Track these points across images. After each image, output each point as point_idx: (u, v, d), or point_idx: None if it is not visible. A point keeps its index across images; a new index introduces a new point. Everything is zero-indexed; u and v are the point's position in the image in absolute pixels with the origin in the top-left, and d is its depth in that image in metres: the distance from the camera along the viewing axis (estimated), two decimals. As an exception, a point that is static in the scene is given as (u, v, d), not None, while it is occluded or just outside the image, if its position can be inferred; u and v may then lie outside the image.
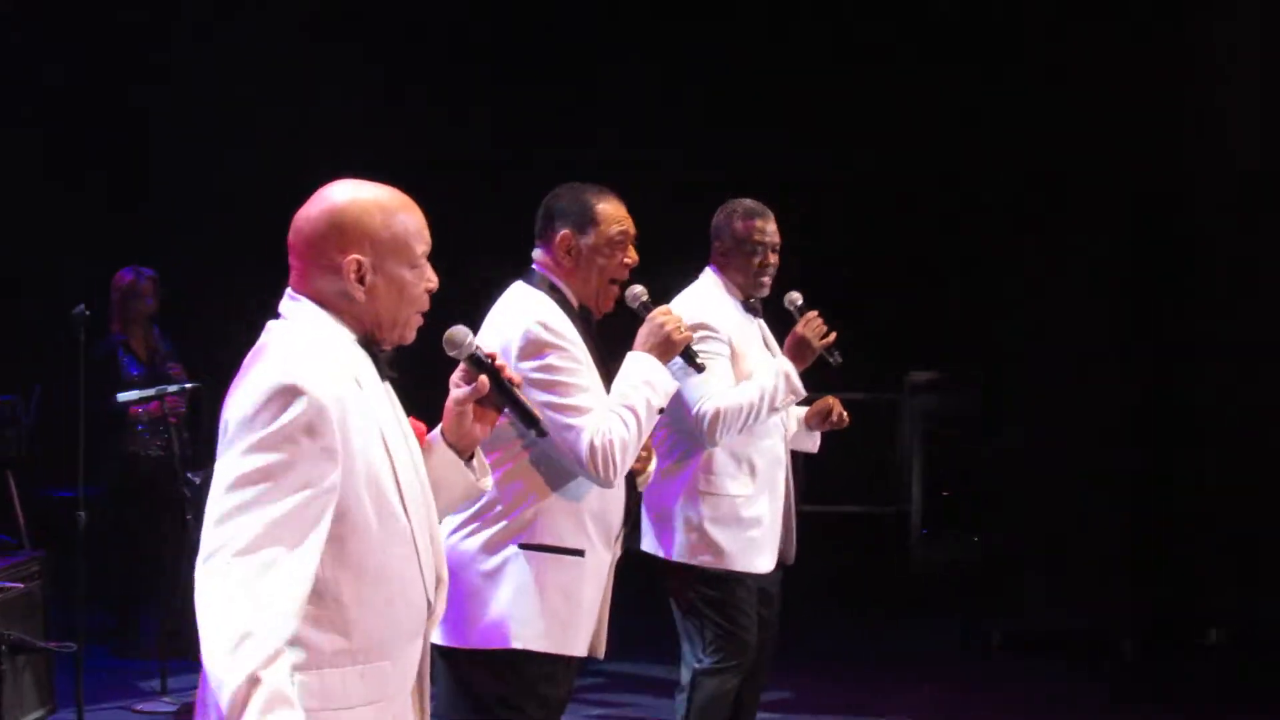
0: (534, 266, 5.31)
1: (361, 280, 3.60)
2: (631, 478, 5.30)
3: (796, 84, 12.68)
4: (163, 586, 9.73)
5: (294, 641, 3.41)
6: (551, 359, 5.02)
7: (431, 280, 3.72)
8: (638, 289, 5.44)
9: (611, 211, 5.30)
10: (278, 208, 3.89)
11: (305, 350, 3.50)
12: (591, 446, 4.94)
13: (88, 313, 7.89)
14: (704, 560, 6.37)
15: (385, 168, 4.39)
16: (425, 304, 3.73)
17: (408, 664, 3.67)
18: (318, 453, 3.40)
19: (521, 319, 5.09)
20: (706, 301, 6.47)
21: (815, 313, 6.56)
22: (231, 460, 3.38)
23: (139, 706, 9.02)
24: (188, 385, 9.87)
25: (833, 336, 6.53)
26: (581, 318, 5.25)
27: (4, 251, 12.22)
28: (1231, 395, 10.80)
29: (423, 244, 3.69)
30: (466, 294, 5.26)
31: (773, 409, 6.36)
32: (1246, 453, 10.70)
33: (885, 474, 13.10)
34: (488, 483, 4.12)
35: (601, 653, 5.30)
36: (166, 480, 9.54)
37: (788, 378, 6.37)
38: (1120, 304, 10.76)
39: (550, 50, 12.72)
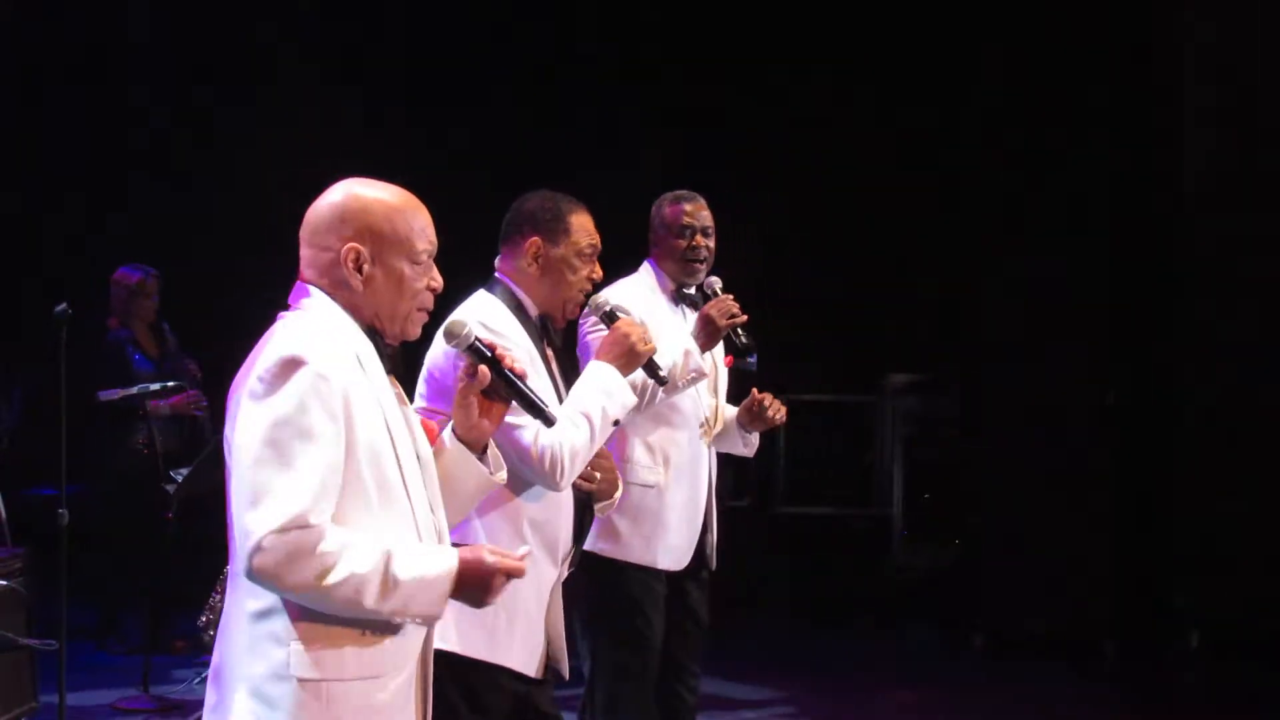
0: (496, 275, 5.27)
1: (360, 270, 3.73)
2: (588, 500, 5.25)
3: (778, 83, 12.70)
4: (146, 583, 9.74)
5: (297, 608, 3.55)
6: None
7: (435, 280, 3.85)
8: (602, 298, 5.43)
9: (583, 223, 5.27)
10: (282, 209, 3.93)
11: (311, 330, 3.63)
12: (539, 446, 4.85)
13: (70, 312, 7.86)
14: (601, 548, 6.08)
15: (398, 166, 4.45)
16: (428, 302, 3.85)
17: (408, 642, 3.73)
18: (325, 417, 3.52)
19: (463, 317, 4.93)
20: (624, 292, 6.18)
21: (729, 295, 6.16)
22: (249, 434, 3.51)
23: (121, 704, 9.01)
24: (169, 385, 9.86)
25: (743, 319, 6.06)
26: (540, 327, 5.22)
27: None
28: (1213, 397, 10.81)
29: (426, 243, 3.82)
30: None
31: (673, 388, 5.96)
32: (1228, 455, 10.72)
33: (866, 477, 13.11)
34: (502, 475, 4.15)
35: (564, 671, 5.19)
36: (152, 476, 9.53)
37: (687, 354, 5.93)
38: (1099, 306, 10.76)
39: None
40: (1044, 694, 9.90)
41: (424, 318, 3.87)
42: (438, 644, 4.87)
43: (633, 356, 5.18)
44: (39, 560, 8.64)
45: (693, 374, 5.97)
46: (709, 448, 6.44)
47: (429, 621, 3.71)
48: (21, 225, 12.34)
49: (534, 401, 4.08)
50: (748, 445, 6.56)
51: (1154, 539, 10.95)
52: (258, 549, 3.43)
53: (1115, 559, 10.70)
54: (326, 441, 3.52)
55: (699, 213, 6.39)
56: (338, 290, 3.76)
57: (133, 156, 12.57)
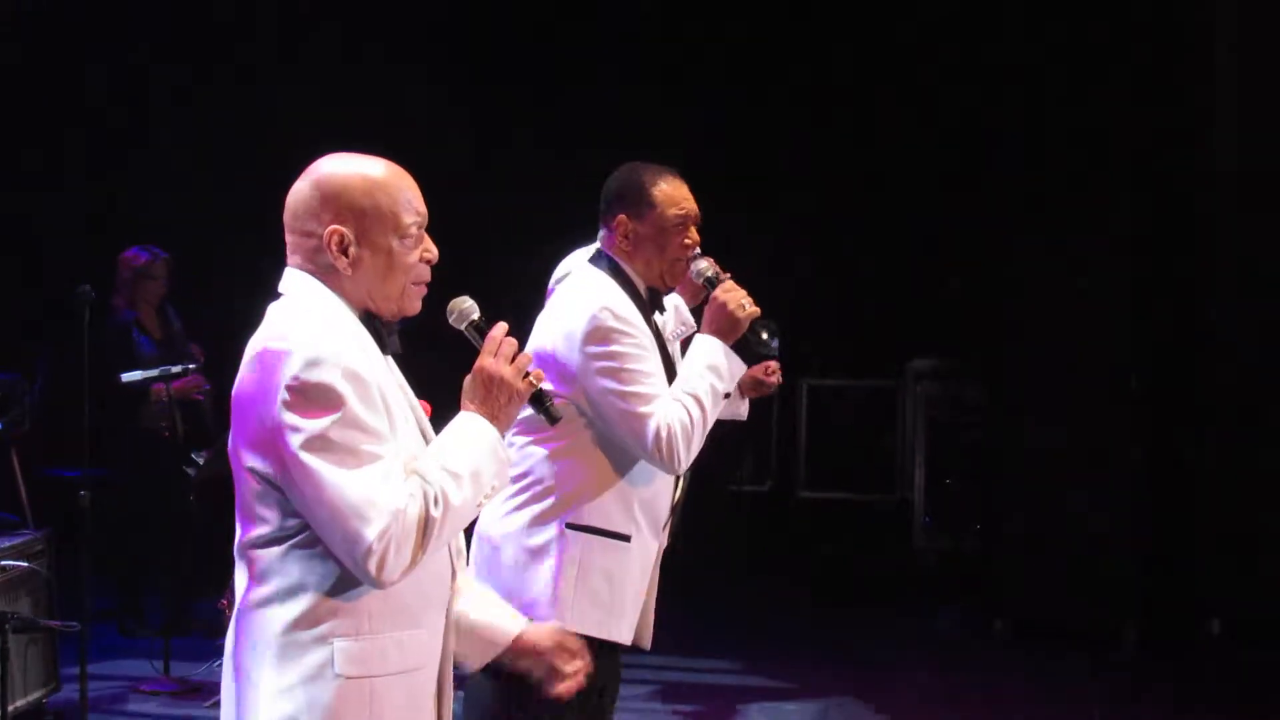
0: (599, 248, 5.28)
1: (345, 252, 3.59)
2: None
3: (803, 72, 12.67)
4: (167, 565, 9.76)
5: (337, 606, 3.49)
6: (617, 346, 4.98)
7: (430, 252, 3.69)
8: (702, 264, 5.27)
9: (669, 193, 5.22)
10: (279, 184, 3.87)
11: (309, 323, 3.50)
12: (657, 434, 4.91)
13: (92, 293, 7.87)
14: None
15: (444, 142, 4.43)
16: (424, 275, 3.70)
17: (436, 633, 3.69)
18: (364, 406, 3.43)
19: (588, 305, 5.04)
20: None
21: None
22: (304, 449, 3.39)
23: (143, 686, 9.03)
24: (190, 366, 9.86)
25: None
26: (648, 300, 5.23)
27: (5, 231, 12.22)
28: (1235, 385, 10.78)
29: (413, 214, 3.65)
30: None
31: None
32: (1250, 442, 10.68)
33: (888, 462, 13.10)
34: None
35: (647, 643, 5.29)
36: (173, 459, 9.54)
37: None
38: (1124, 291, 10.72)
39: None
40: (1065, 679, 9.88)
41: (422, 291, 3.70)
42: (550, 622, 4.98)
43: (734, 324, 5.13)
44: (60, 542, 8.67)
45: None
46: None
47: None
48: (41, 206, 12.34)
49: (540, 395, 3.87)
50: (737, 413, 5.79)
51: (1177, 525, 10.91)
52: (368, 555, 3.36)
53: (1137, 545, 10.66)
54: (376, 426, 3.44)
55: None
56: (327, 276, 3.61)
57: (152, 135, 12.57)
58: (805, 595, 11.85)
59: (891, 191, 12.53)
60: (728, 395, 5.14)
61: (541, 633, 3.96)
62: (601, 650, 5.01)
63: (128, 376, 9.54)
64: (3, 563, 8.11)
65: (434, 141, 11.23)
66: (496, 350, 3.70)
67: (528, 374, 3.70)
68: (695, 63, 12.69)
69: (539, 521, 5.06)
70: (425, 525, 3.43)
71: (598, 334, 4.99)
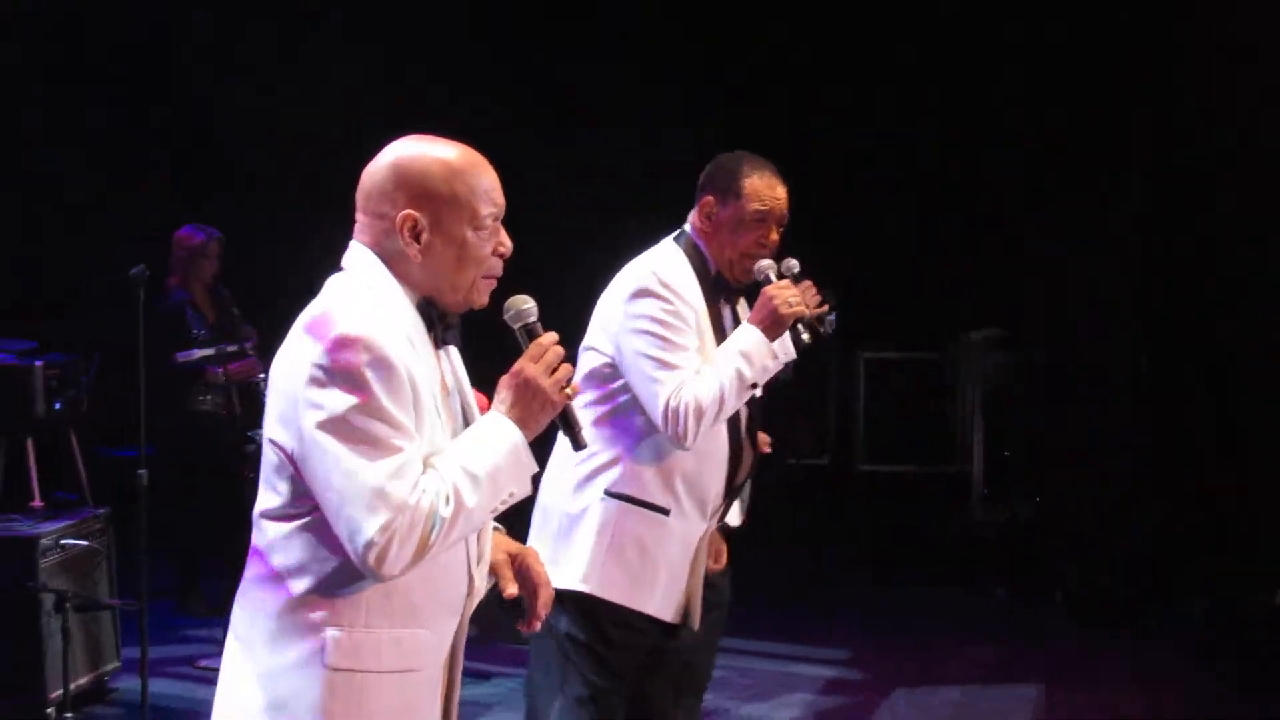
0: (685, 226, 5.33)
1: (417, 238, 3.51)
2: (739, 454, 5.29)
3: (857, 39, 12.61)
4: (225, 544, 9.78)
5: (335, 595, 3.43)
6: (654, 309, 5.04)
7: (504, 245, 3.61)
8: (765, 263, 5.27)
9: (759, 187, 5.24)
10: (344, 167, 3.83)
11: (359, 305, 3.43)
12: (668, 404, 4.95)
13: (147, 273, 7.88)
14: None
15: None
16: (495, 268, 3.61)
17: (443, 637, 3.63)
18: (392, 397, 3.35)
19: (641, 267, 5.15)
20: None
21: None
22: (324, 426, 3.34)
23: (202, 663, 9.04)
24: (245, 345, 9.87)
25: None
26: (717, 284, 5.27)
27: (62, 213, 12.27)
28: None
29: (490, 205, 3.56)
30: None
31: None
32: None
33: (945, 434, 13.05)
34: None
35: (695, 623, 5.29)
36: (230, 438, 9.55)
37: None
38: (1181, 265, 10.68)
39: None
40: (1124, 651, 9.84)
41: (491, 284, 3.62)
42: (576, 585, 5.07)
43: (777, 319, 5.13)
44: (119, 521, 8.70)
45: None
46: None
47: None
48: (96, 186, 12.38)
49: (568, 418, 3.72)
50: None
51: (1241, 497, 10.84)
52: (369, 546, 3.29)
53: (1200, 516, 10.61)
54: (399, 419, 3.36)
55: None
56: (394, 261, 3.53)
57: (208, 116, 12.59)
58: (863, 568, 11.82)
59: (949, 159, 12.46)
60: (755, 386, 5.13)
61: (499, 555, 3.82)
62: (634, 616, 5.13)
63: (183, 356, 9.55)
64: (63, 541, 8.16)
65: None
66: (541, 356, 3.60)
67: (565, 386, 3.60)
68: (744, 30, 12.65)
69: (581, 488, 5.14)
70: (434, 524, 3.36)
71: (641, 294, 5.07)
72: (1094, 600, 10.64)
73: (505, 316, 3.70)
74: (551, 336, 3.64)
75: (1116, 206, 10.65)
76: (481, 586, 3.72)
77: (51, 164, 12.25)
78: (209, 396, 10.10)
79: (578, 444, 3.78)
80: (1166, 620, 10.40)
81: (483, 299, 3.63)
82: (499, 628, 9.41)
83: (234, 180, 12.23)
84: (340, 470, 3.32)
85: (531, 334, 3.66)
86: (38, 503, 8.86)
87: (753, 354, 5.07)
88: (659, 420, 4.99)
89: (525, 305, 3.69)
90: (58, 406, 9.94)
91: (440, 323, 3.60)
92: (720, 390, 5.00)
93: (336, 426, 3.32)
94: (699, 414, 4.96)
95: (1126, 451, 10.63)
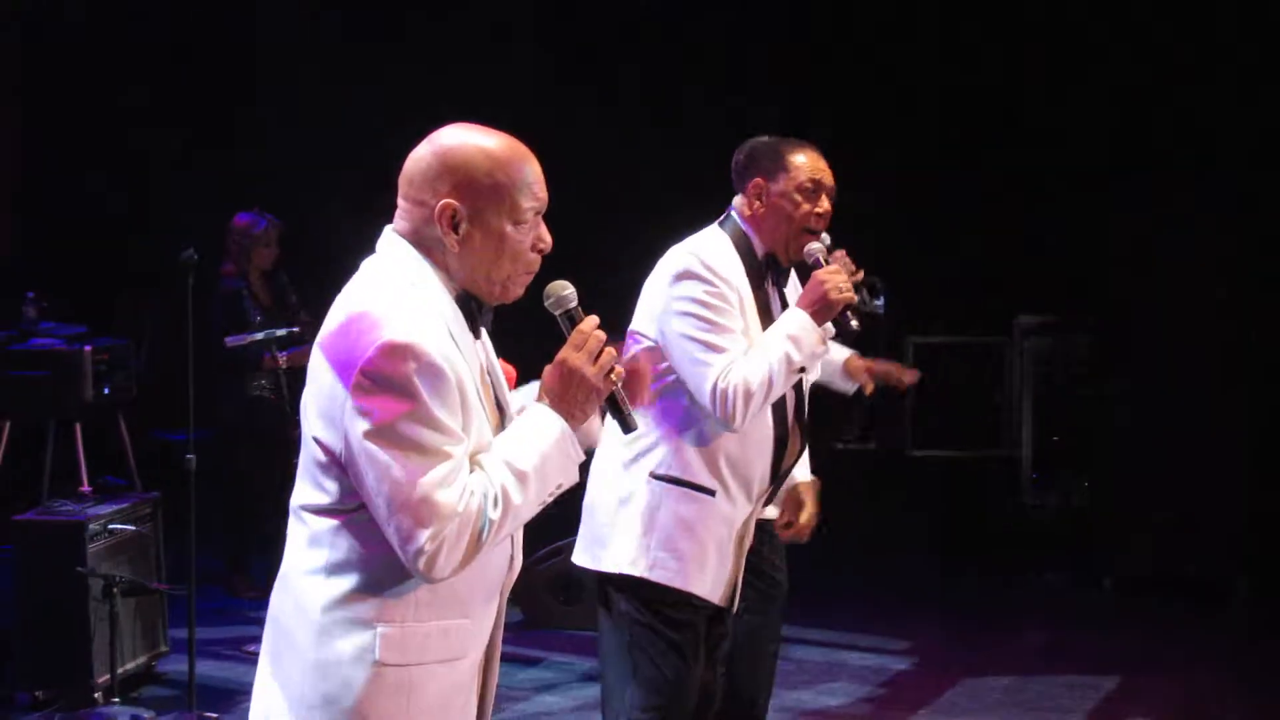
0: (730, 212, 5.34)
1: (456, 229, 3.47)
2: (785, 438, 5.29)
3: (912, 24, 12.56)
4: (274, 528, 9.79)
5: (383, 591, 3.42)
6: (698, 292, 5.06)
7: (544, 241, 3.56)
8: (815, 246, 5.32)
9: (805, 161, 5.31)
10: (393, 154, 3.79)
11: (403, 303, 3.38)
12: (715, 386, 4.96)
13: (196, 257, 7.89)
14: None
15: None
16: (533, 264, 3.57)
17: (484, 623, 3.62)
18: (440, 400, 3.32)
19: (684, 250, 5.17)
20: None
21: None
22: (372, 434, 3.30)
23: (250, 648, 9.05)
24: (295, 330, 9.87)
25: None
26: (767, 266, 5.29)
27: (114, 196, 12.29)
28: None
29: (533, 200, 3.51)
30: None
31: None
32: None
33: (995, 419, 12.99)
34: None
35: (733, 607, 5.30)
36: (278, 423, 9.56)
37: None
38: (1234, 246, 10.59)
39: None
40: (1175, 634, 9.81)
41: (528, 279, 3.57)
42: (626, 569, 5.11)
43: (828, 304, 5.14)
44: (168, 505, 8.72)
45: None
46: None
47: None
48: (149, 172, 12.41)
49: (616, 402, 3.68)
50: (846, 386, 6.10)
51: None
52: (419, 554, 3.28)
53: (1246, 497, 10.56)
54: (448, 424, 3.33)
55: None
56: (432, 249, 3.49)
57: (262, 102, 12.61)
58: (914, 553, 11.79)
59: (999, 144, 12.40)
60: (803, 370, 5.15)
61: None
62: (684, 597, 5.15)
63: (232, 340, 9.56)
64: (111, 526, 8.18)
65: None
66: (583, 344, 3.56)
67: (609, 373, 3.57)
68: (804, 17, 12.62)
69: (628, 469, 5.16)
70: (483, 526, 3.35)
71: (684, 276, 5.09)
72: (1142, 583, 10.60)
73: (546, 304, 3.65)
74: (593, 321, 3.60)
75: (1192, 187, 10.56)
76: (518, 564, 3.70)
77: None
78: (262, 381, 10.13)
79: (627, 427, 3.73)
80: (1211, 604, 10.35)
81: (517, 294, 3.59)
82: (549, 614, 9.46)
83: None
84: (390, 478, 3.29)
85: (573, 320, 3.62)
86: (86, 487, 8.86)
87: (801, 338, 5.08)
88: (707, 402, 4.99)
89: (565, 291, 3.65)
90: (106, 391, 9.97)
91: (480, 314, 3.58)
92: (769, 372, 5.01)
93: (385, 434, 3.29)
94: (748, 396, 4.97)
95: (1190, 435, 10.55)
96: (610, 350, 3.58)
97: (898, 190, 12.17)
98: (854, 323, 5.23)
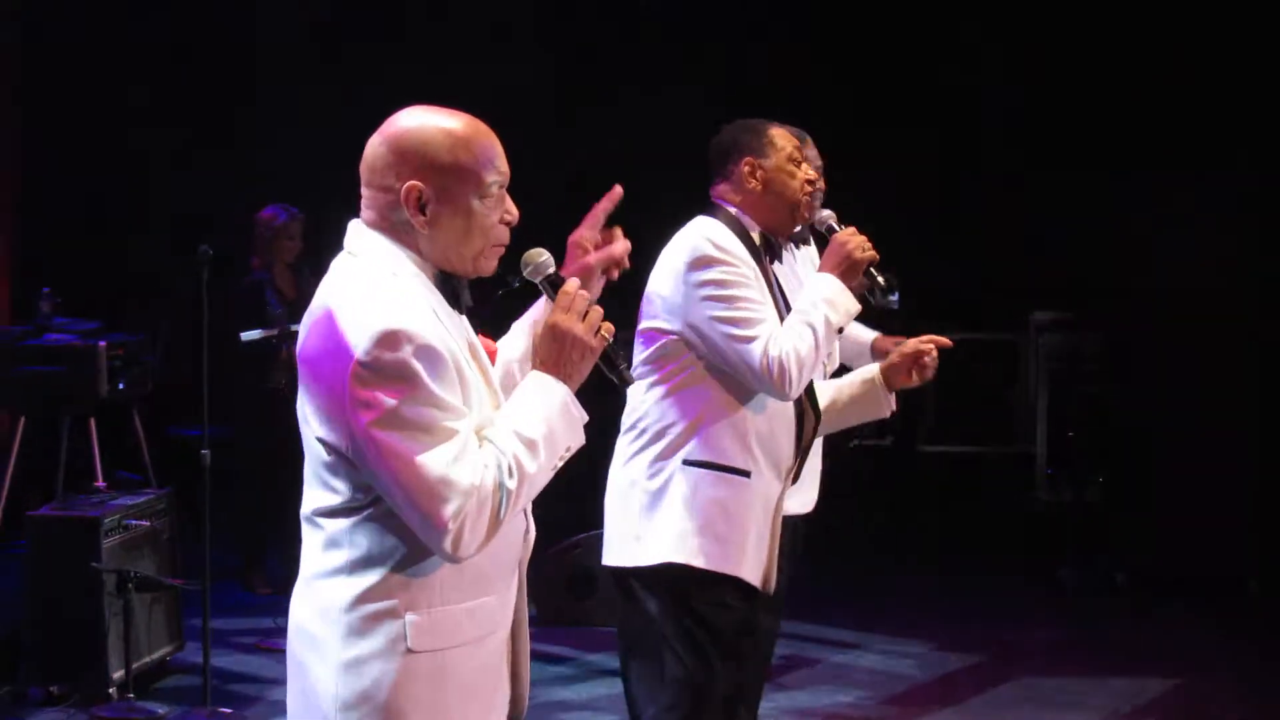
0: (714, 201, 5.34)
1: (423, 210, 3.47)
2: (803, 414, 5.29)
3: (924, 24, 12.55)
4: (288, 523, 9.79)
5: (408, 580, 3.43)
6: (718, 273, 5.04)
7: (510, 213, 3.57)
8: (826, 213, 5.47)
9: (782, 133, 5.36)
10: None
11: (382, 292, 3.40)
12: (766, 356, 4.93)
13: (211, 252, 7.89)
14: None
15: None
16: (502, 237, 3.58)
17: (508, 597, 3.65)
18: (440, 384, 3.34)
19: (689, 238, 5.14)
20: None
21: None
22: (378, 424, 3.31)
23: (265, 643, 9.08)
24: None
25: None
26: (764, 246, 5.30)
27: (113, 196, 12.32)
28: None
29: (495, 173, 3.52)
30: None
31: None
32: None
33: (1009, 415, 13.00)
34: None
35: (771, 588, 5.27)
36: (295, 417, 9.55)
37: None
38: (1250, 244, 10.59)
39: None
40: (1188, 632, 9.79)
41: (499, 252, 3.58)
42: (668, 558, 5.07)
43: (853, 264, 5.16)
44: (183, 501, 8.74)
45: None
46: None
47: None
48: (149, 172, 12.43)
49: (610, 358, 3.71)
50: (886, 406, 5.52)
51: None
52: (444, 534, 3.30)
53: (1259, 496, 10.55)
54: (450, 401, 3.34)
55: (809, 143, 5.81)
56: (402, 234, 3.50)
57: (262, 102, 12.62)
58: (927, 548, 11.79)
59: (1015, 141, 12.40)
60: (840, 330, 5.16)
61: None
62: (725, 586, 5.12)
63: (247, 335, 9.57)
64: (125, 522, 8.20)
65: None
66: (570, 305, 3.60)
67: (599, 330, 3.60)
68: (804, 17, 12.62)
69: (658, 462, 5.13)
70: (501, 498, 3.37)
71: (700, 262, 5.06)
72: (1155, 580, 10.59)
73: (524, 272, 3.72)
74: (575, 283, 3.64)
75: (1209, 186, 10.55)
76: (532, 534, 3.73)
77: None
78: (279, 375, 10.13)
79: (624, 381, 3.78)
80: (1224, 601, 10.35)
81: (490, 267, 3.60)
82: (561, 610, 9.46)
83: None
84: (402, 464, 3.30)
85: (555, 285, 3.68)
86: (101, 483, 8.88)
87: (835, 299, 5.10)
88: (757, 377, 4.97)
89: (542, 258, 3.73)
90: (121, 386, 9.98)
91: (458, 287, 3.58)
92: (815, 336, 5.01)
93: (390, 421, 3.30)
94: (800, 362, 4.96)
95: (1205, 433, 10.55)
96: (597, 308, 3.61)
97: (913, 188, 12.18)
98: (881, 279, 5.26)
